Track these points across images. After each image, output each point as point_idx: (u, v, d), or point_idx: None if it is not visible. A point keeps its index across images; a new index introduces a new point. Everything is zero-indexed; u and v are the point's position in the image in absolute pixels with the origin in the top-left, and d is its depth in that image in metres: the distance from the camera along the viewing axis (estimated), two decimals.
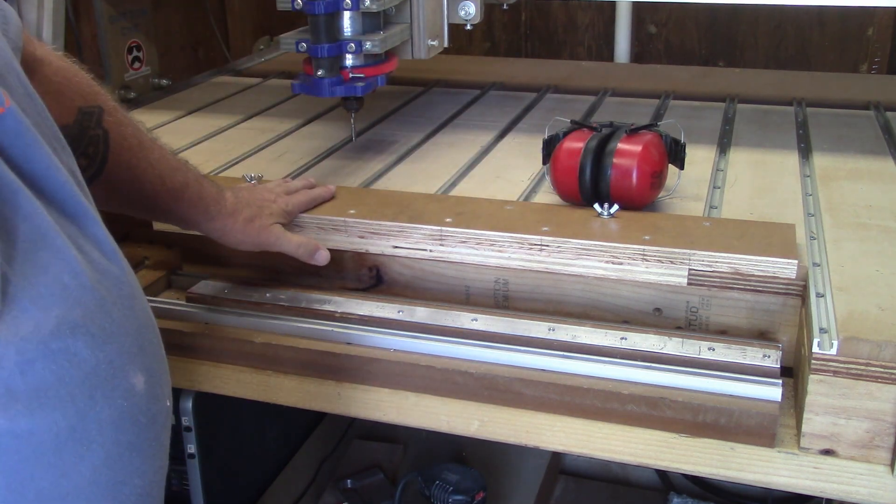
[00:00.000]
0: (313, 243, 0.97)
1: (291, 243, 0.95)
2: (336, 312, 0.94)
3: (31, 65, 0.73)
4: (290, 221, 0.98)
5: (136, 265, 1.05)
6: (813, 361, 0.74)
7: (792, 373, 0.86)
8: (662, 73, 1.76)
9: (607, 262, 0.90)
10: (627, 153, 0.96)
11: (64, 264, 0.52)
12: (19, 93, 0.55)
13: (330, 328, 0.92)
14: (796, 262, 0.85)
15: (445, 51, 1.26)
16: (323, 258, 0.97)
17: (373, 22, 1.10)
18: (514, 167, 1.19)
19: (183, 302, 0.99)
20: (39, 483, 0.50)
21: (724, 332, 0.90)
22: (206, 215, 0.90)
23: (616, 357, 0.85)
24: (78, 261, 0.53)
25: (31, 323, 0.49)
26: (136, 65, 1.63)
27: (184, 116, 1.50)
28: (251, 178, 1.08)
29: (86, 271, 0.53)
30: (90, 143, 0.78)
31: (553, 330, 0.89)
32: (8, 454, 0.49)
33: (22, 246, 0.49)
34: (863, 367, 0.73)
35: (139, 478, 0.55)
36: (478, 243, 0.94)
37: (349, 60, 1.09)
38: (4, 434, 0.48)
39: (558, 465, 1.78)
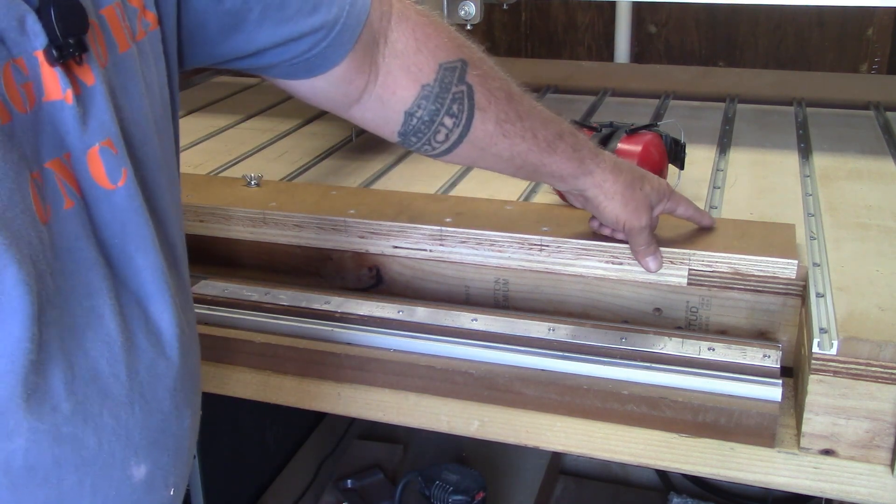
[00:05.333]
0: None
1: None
2: (336, 312, 0.94)
3: (382, 34, 0.72)
4: (656, 221, 0.89)
5: None
6: (813, 361, 0.74)
7: (792, 373, 0.86)
8: (662, 73, 1.76)
9: (607, 262, 0.90)
10: (627, 153, 0.96)
11: (105, 347, 0.51)
12: (153, 166, 0.55)
13: (330, 328, 0.92)
14: (796, 262, 0.85)
15: None
16: (655, 267, 0.88)
17: None
18: None
19: None
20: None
21: (724, 332, 0.90)
22: (582, 168, 0.83)
23: (616, 357, 0.85)
24: (120, 345, 0.52)
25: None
26: None
27: (184, 116, 1.50)
28: (251, 178, 1.08)
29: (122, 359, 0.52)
30: (454, 101, 0.75)
31: (553, 330, 0.88)
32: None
33: (68, 321, 0.49)
34: (863, 367, 0.73)
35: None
36: (478, 243, 0.94)
37: None
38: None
39: (558, 465, 1.78)
